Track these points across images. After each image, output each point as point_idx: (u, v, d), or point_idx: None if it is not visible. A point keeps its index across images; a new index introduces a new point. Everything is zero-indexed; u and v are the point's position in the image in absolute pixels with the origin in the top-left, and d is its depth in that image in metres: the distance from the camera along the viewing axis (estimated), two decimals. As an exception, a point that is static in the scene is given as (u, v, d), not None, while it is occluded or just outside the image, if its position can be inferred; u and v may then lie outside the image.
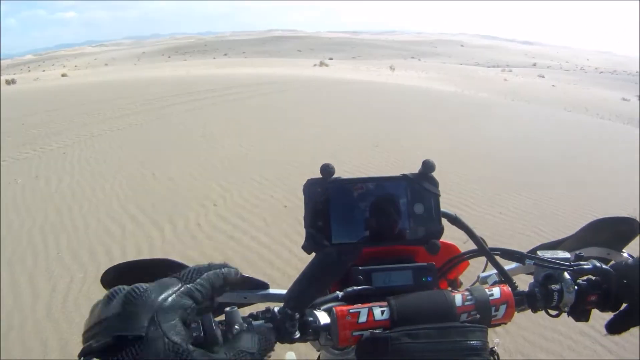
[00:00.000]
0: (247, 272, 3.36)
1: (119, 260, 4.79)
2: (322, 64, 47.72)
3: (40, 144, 9.48)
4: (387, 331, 0.77)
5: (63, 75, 37.44)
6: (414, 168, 1.05)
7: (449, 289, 1.13)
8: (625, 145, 13.39)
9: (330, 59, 67.64)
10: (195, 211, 6.20)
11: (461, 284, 1.23)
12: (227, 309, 0.80)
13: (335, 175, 1.01)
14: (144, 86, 19.75)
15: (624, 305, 0.93)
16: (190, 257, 4.98)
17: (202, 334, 0.75)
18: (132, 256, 4.99)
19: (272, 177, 7.54)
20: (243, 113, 13.35)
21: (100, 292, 0.59)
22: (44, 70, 62.82)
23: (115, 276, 0.94)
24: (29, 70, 66.31)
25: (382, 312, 0.81)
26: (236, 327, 0.77)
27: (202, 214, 6.11)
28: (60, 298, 4.22)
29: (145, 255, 5.03)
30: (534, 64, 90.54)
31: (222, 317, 0.81)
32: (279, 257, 5.02)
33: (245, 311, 0.90)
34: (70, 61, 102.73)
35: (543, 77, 54.96)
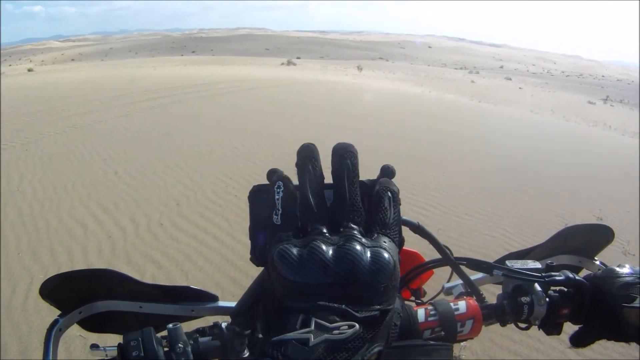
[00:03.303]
0: (210, 274, 3.33)
1: (80, 260, 4.76)
2: (290, 63, 47.65)
3: (2, 140, 9.32)
4: None
5: (29, 70, 36.96)
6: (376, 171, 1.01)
7: (412, 298, 1.11)
8: (589, 148, 13.56)
9: (298, 58, 67.54)
10: (158, 210, 6.14)
11: (425, 293, 1.14)
12: (170, 325, 0.78)
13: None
14: (110, 83, 19.51)
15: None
16: (153, 258, 4.94)
17: (141, 353, 0.72)
18: (93, 256, 4.94)
19: (237, 177, 7.50)
20: (209, 112, 13.24)
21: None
22: (10, 65, 61.96)
23: (55, 287, 0.90)
24: (-6, 65, 65.52)
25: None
26: (180, 345, 0.75)
27: (165, 214, 6.05)
28: (20, 300, 4.14)
29: (106, 255, 4.98)
30: (501, 67, 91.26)
31: (165, 333, 0.78)
32: (241, 258, 4.98)
33: (192, 325, 0.88)
34: (37, 56, 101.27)
35: (510, 79, 55.49)
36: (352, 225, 0.55)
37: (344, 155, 0.59)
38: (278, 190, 0.59)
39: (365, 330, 0.48)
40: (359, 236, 0.53)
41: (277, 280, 0.51)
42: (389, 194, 0.62)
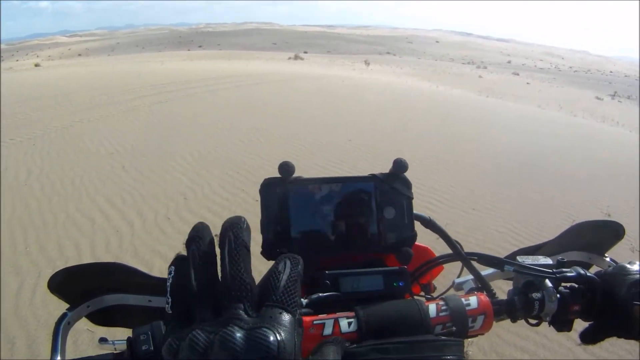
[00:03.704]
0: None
1: (88, 254, 4.77)
2: (297, 57, 47.55)
3: (10, 135, 9.32)
4: (355, 345, 0.69)
5: (36, 65, 36.87)
6: (388, 165, 0.99)
7: (422, 293, 1.09)
8: (597, 144, 13.51)
9: (305, 52, 67.37)
10: (165, 205, 6.15)
11: (435, 288, 1.15)
12: None
13: (295, 175, 0.94)
14: (117, 78, 19.50)
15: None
16: (160, 252, 4.95)
17: (151, 347, 0.72)
18: (101, 250, 4.96)
19: (244, 171, 7.51)
20: (215, 106, 13.23)
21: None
22: (17, 60, 61.94)
23: (63, 281, 0.90)
24: (2, 60, 65.41)
25: (350, 324, 0.75)
26: None
27: (172, 208, 6.06)
28: (28, 294, 4.15)
29: (114, 249, 4.99)
30: (509, 62, 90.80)
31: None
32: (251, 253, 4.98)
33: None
34: (44, 51, 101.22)
35: (518, 74, 55.25)
36: (234, 304, 0.50)
37: (227, 228, 0.54)
38: (169, 276, 0.55)
39: None
40: (241, 315, 0.48)
41: None
42: (287, 260, 0.56)
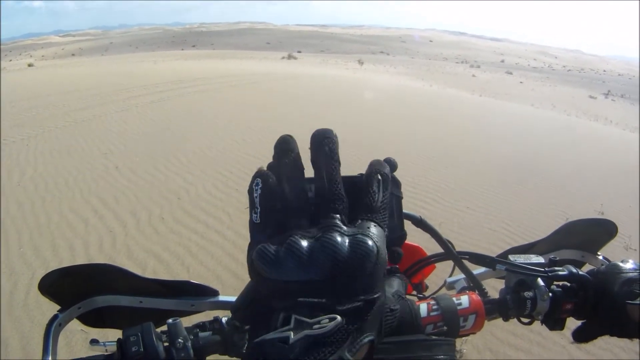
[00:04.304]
0: (211, 268, 3.32)
1: (81, 255, 4.77)
2: (290, 57, 47.59)
3: (3, 135, 9.30)
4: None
5: (29, 65, 36.82)
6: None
7: (414, 293, 1.10)
8: (591, 142, 13.56)
9: (299, 52, 67.43)
10: (159, 205, 6.14)
11: (427, 287, 1.13)
12: (170, 320, 0.77)
13: None
14: (110, 78, 19.48)
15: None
16: (154, 252, 4.94)
17: (141, 349, 0.72)
18: (94, 251, 4.95)
19: (237, 171, 7.51)
20: (209, 106, 13.22)
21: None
22: (10, 60, 61.80)
23: (54, 282, 0.89)
24: (-4, 60, 65.42)
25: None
26: (179, 340, 0.74)
27: (165, 208, 6.05)
28: (21, 295, 4.14)
29: (107, 250, 4.98)
30: (502, 61, 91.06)
31: (164, 328, 0.78)
32: (242, 251, 4.96)
33: (192, 320, 0.87)
34: (37, 51, 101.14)
35: (511, 73, 55.44)
36: (333, 215, 0.53)
37: (322, 142, 0.57)
38: (256, 187, 0.56)
39: (349, 322, 0.47)
40: (340, 225, 0.52)
41: (258, 281, 0.51)
42: (379, 176, 0.60)
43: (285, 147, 0.58)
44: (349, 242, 0.49)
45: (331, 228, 0.51)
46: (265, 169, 0.59)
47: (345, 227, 0.51)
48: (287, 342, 0.45)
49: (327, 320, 0.46)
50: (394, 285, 0.66)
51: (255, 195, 0.56)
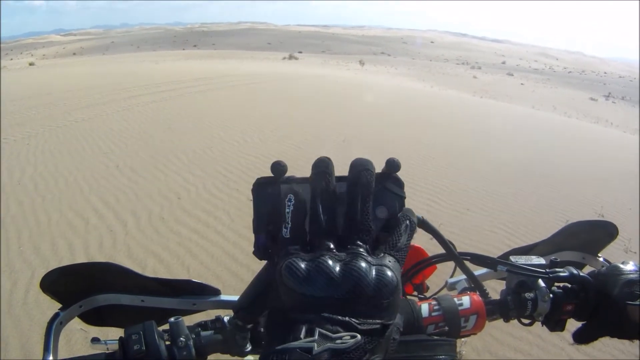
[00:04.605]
0: (211, 268, 3.32)
1: (81, 254, 4.76)
2: (291, 57, 47.58)
3: (3, 134, 9.29)
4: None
5: (30, 64, 36.86)
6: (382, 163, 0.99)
7: (415, 293, 1.10)
8: (591, 144, 13.55)
9: (300, 52, 67.38)
10: (159, 204, 6.13)
11: (428, 288, 1.12)
12: (172, 319, 0.77)
13: (288, 174, 0.95)
14: (111, 77, 19.49)
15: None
16: (154, 252, 4.93)
17: (143, 347, 0.72)
18: (94, 250, 4.95)
19: (238, 171, 7.50)
20: (210, 106, 13.21)
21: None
22: (11, 59, 61.74)
23: (55, 281, 0.89)
24: (-3, 58, 65.35)
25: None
26: (181, 338, 0.74)
27: (166, 207, 6.05)
28: (21, 294, 4.14)
29: (107, 249, 4.98)
30: (503, 63, 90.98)
31: (166, 326, 0.78)
32: (243, 251, 4.98)
33: (193, 319, 0.87)
34: (38, 50, 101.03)
35: (512, 75, 55.39)
36: (359, 243, 0.56)
37: (361, 173, 0.60)
38: (289, 203, 0.59)
39: (366, 342, 0.48)
40: (365, 254, 0.54)
41: (285, 293, 0.52)
42: (408, 222, 0.63)
43: (323, 169, 0.61)
44: (374, 271, 0.52)
45: (359, 255, 0.53)
46: (291, 177, 0.66)
47: (370, 257, 0.54)
48: (310, 352, 0.46)
49: (349, 337, 0.48)
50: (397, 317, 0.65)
51: (287, 210, 0.59)
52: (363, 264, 0.52)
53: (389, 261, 0.55)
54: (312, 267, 0.51)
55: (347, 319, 0.49)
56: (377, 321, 0.50)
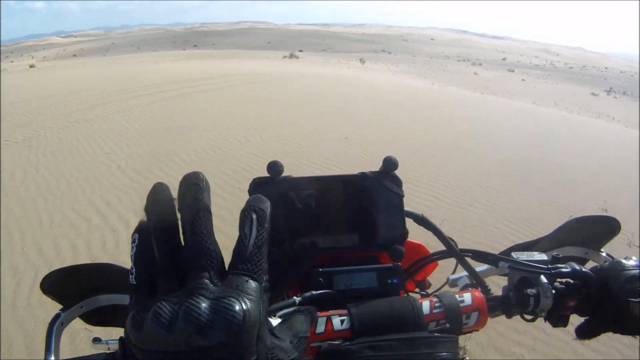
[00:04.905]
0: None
1: (84, 255, 4.77)
2: (292, 56, 47.58)
3: (5, 136, 9.31)
4: (348, 343, 0.70)
5: (31, 66, 36.86)
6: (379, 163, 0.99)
7: (417, 290, 1.10)
8: (593, 140, 13.53)
9: (301, 51, 67.39)
10: (162, 205, 6.12)
11: (430, 285, 1.15)
12: None
13: (285, 174, 0.94)
14: (112, 78, 19.50)
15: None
16: (156, 252, 4.93)
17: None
18: (97, 251, 4.95)
19: (240, 170, 7.50)
20: (210, 106, 13.21)
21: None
22: (12, 61, 61.84)
23: (56, 282, 0.89)
24: (-3, 61, 65.42)
25: (342, 322, 0.75)
26: None
27: (168, 208, 6.04)
28: (25, 294, 4.15)
29: (110, 249, 4.98)
30: (504, 59, 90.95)
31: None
32: (246, 250, 4.98)
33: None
34: (39, 52, 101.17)
35: (513, 71, 55.42)
36: (200, 273, 0.47)
37: (185, 191, 0.50)
38: (133, 245, 0.50)
39: None
40: (206, 285, 0.46)
41: (134, 349, 0.45)
42: (253, 215, 0.51)
43: (155, 197, 0.51)
44: (211, 308, 0.44)
45: (196, 290, 0.45)
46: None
47: (212, 287, 0.46)
48: None
49: None
50: (296, 325, 0.59)
51: (131, 253, 0.50)
52: (200, 302, 0.44)
53: (237, 285, 0.47)
54: (148, 318, 0.44)
55: None
56: None
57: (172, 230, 0.50)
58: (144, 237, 0.50)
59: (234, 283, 0.47)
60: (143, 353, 0.44)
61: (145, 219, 0.51)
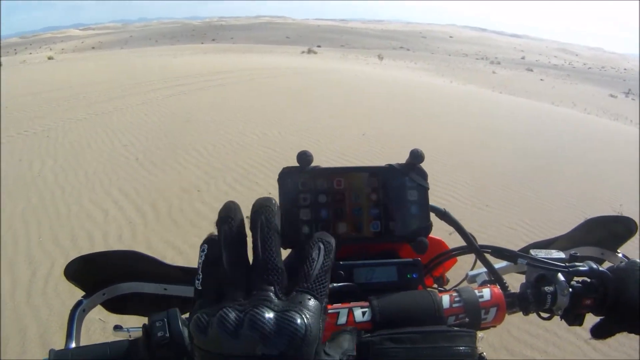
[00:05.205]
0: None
1: (100, 245, 4.80)
2: (310, 51, 47.56)
3: (24, 127, 9.39)
4: (368, 334, 0.70)
5: (49, 58, 36.99)
6: (401, 159, 1.00)
7: (435, 286, 1.11)
8: (611, 141, 13.45)
9: (319, 46, 67.29)
10: (179, 197, 6.16)
11: (448, 281, 1.16)
12: None
13: (313, 164, 0.94)
14: (130, 71, 19.59)
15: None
16: (173, 244, 4.96)
17: (167, 334, 0.72)
18: (114, 241, 4.99)
19: (257, 164, 7.52)
20: (229, 99, 13.25)
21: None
22: (30, 53, 62.07)
23: (79, 268, 0.90)
24: (15, 53, 65.57)
25: (364, 313, 0.76)
26: None
27: (185, 200, 6.08)
28: (40, 284, 4.18)
29: (127, 241, 5.01)
30: (523, 58, 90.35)
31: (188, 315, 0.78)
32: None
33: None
34: (57, 44, 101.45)
35: (531, 70, 55.07)
36: (265, 286, 0.51)
37: (259, 211, 0.55)
38: (201, 254, 0.56)
39: None
40: (271, 298, 0.50)
41: (194, 349, 0.49)
42: (320, 244, 0.57)
43: (227, 214, 0.57)
44: (276, 319, 0.47)
45: (261, 302, 0.49)
46: (214, 233, 0.58)
47: (277, 301, 0.50)
48: None
49: None
50: (344, 344, 0.63)
51: (199, 261, 0.56)
52: (265, 313, 0.47)
53: (300, 302, 0.50)
54: (214, 322, 0.47)
55: None
56: None
57: (241, 245, 0.55)
58: (212, 248, 0.56)
59: (298, 299, 0.50)
60: (206, 355, 0.47)
61: (214, 232, 0.57)
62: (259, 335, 0.45)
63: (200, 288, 0.54)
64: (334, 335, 0.64)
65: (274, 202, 0.57)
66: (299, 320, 0.47)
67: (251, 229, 0.55)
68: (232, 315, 0.47)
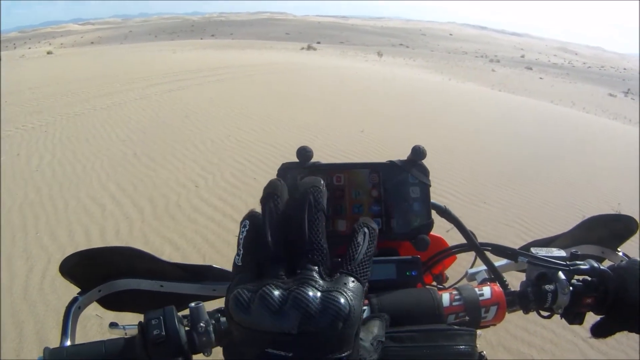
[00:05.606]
0: (228, 256, 3.32)
1: (97, 241, 4.80)
2: (310, 47, 47.57)
3: (22, 121, 9.39)
4: None
5: (48, 52, 36.97)
6: (399, 156, 1.00)
7: (434, 283, 1.10)
8: (609, 140, 13.48)
9: (318, 42, 67.28)
10: (176, 192, 6.16)
11: (447, 278, 1.16)
12: (192, 304, 0.77)
13: (313, 160, 0.94)
14: (129, 66, 19.59)
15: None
16: (170, 239, 4.95)
17: (162, 332, 0.71)
18: (111, 237, 4.98)
19: (255, 160, 7.52)
20: (227, 95, 13.26)
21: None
22: (29, 48, 61.96)
23: (75, 265, 0.89)
24: (15, 47, 65.42)
25: (363, 311, 0.70)
26: (201, 324, 0.74)
27: (183, 195, 6.07)
28: (37, 279, 4.17)
29: (124, 236, 5.01)
30: (522, 56, 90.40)
31: (186, 312, 0.77)
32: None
33: (213, 305, 0.87)
34: (56, 39, 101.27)
35: (531, 69, 55.10)
36: (310, 266, 0.51)
37: (307, 191, 0.55)
38: (243, 230, 0.55)
39: None
40: (316, 278, 0.50)
41: (232, 325, 0.49)
42: (366, 229, 0.56)
43: (273, 191, 0.56)
44: (321, 299, 0.47)
45: (306, 281, 0.49)
46: (255, 210, 0.58)
47: (321, 281, 0.50)
48: None
49: None
50: (374, 329, 0.65)
51: (240, 237, 0.55)
52: (309, 292, 0.47)
53: (345, 283, 0.50)
54: (255, 298, 0.47)
55: (290, 354, 0.46)
56: (329, 357, 0.48)
57: (285, 223, 0.54)
58: (254, 224, 0.55)
59: (342, 281, 0.50)
60: (247, 332, 0.47)
61: (256, 209, 0.57)
62: (303, 313, 0.45)
63: (240, 264, 0.53)
64: (364, 320, 0.65)
65: (322, 182, 0.57)
66: (342, 301, 0.47)
67: (299, 208, 0.54)
68: (276, 292, 0.47)
